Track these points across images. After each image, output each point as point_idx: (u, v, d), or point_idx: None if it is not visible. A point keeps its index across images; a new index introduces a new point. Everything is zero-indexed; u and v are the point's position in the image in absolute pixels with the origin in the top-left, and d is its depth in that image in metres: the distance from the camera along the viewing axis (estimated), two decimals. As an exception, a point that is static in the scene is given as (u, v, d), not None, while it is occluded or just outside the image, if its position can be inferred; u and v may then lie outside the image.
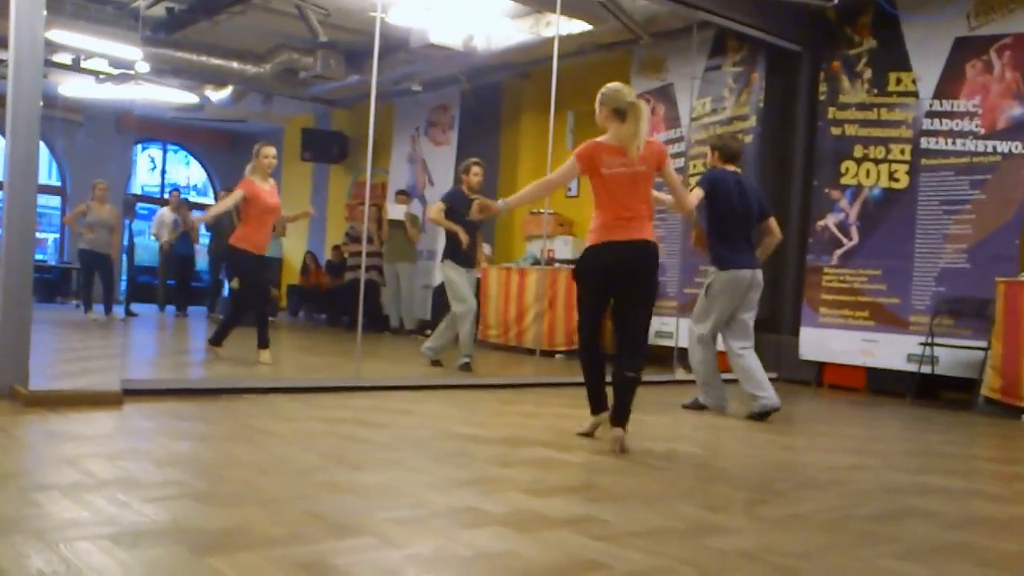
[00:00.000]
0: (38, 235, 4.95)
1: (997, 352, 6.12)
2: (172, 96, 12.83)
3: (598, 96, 4.21)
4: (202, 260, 12.77)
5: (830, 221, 7.74)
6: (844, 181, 7.66)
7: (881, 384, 7.26)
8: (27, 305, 4.55)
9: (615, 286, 4.10)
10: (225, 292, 11.81)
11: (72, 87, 12.23)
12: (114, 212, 10.46)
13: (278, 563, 2.10)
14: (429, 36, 9.20)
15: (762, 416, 5.32)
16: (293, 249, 14.48)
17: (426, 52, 9.64)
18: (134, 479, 2.92)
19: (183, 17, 9.61)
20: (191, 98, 12.97)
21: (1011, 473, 4.29)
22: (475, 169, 7.12)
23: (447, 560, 2.25)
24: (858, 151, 7.58)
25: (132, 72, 11.45)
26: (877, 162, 7.47)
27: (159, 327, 10.51)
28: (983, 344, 6.39)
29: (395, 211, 10.99)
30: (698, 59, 8.51)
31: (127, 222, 11.84)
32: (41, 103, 4.58)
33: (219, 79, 11.80)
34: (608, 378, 4.20)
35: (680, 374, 7.69)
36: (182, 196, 13.14)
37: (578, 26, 8.50)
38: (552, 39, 7.51)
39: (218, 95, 12.64)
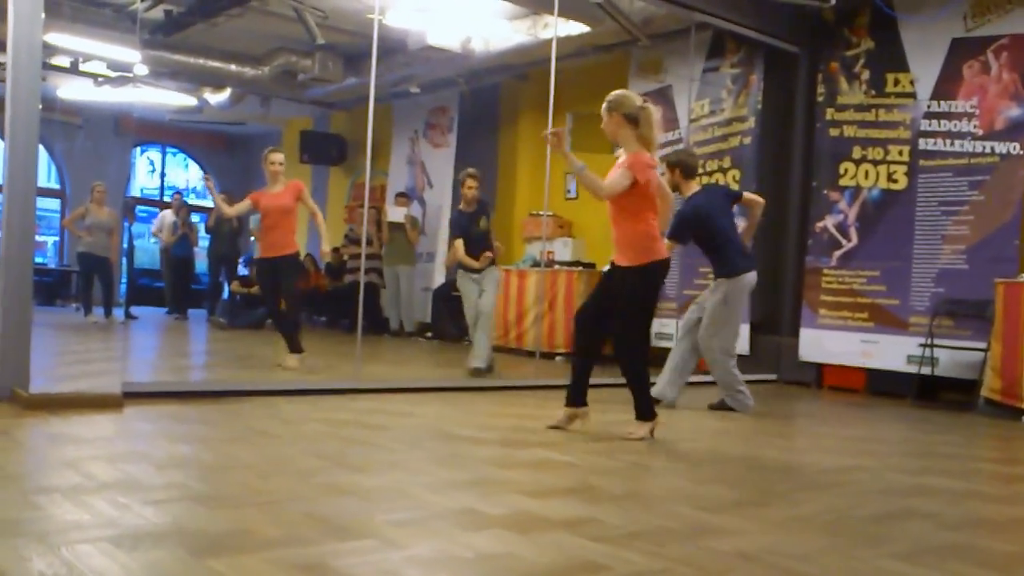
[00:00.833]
0: (37, 238, 4.94)
1: (996, 353, 6.13)
2: (170, 99, 12.83)
3: (607, 103, 4.21)
4: (200, 263, 12.76)
5: (829, 222, 7.75)
6: (843, 182, 7.67)
7: (881, 385, 7.27)
8: (27, 308, 4.55)
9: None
10: (225, 295, 11.81)
11: (71, 90, 12.23)
12: (113, 215, 10.46)
13: (278, 565, 2.11)
14: (427, 38, 9.21)
15: (726, 408, 5.67)
16: (292, 252, 14.45)
17: (424, 54, 9.65)
18: (135, 482, 2.92)
19: (181, 20, 9.61)
20: (189, 101, 12.96)
21: (1011, 474, 4.30)
22: (468, 182, 7.02)
23: (447, 562, 2.25)
24: (856, 152, 7.59)
25: (130, 75, 11.45)
26: (876, 163, 7.47)
27: (159, 330, 10.51)
28: (982, 345, 6.39)
29: (394, 213, 11.00)
30: (696, 61, 8.51)
31: (126, 225, 11.83)
32: (40, 106, 4.59)
33: (217, 81, 11.79)
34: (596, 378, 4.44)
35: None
36: (183, 199, 13.14)
37: (576, 28, 8.51)
38: (550, 41, 7.52)
39: (216, 97, 12.64)
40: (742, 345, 8.10)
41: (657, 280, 4.32)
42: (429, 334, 11.05)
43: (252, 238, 12.16)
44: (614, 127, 4.22)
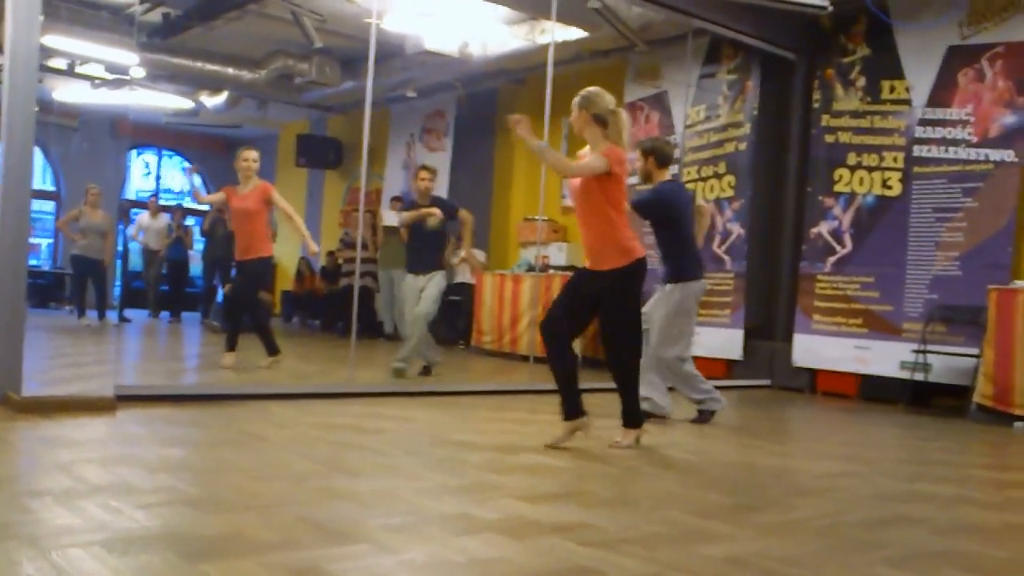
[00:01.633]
0: (32, 240, 4.92)
1: (989, 359, 6.14)
2: (167, 101, 12.83)
3: (579, 98, 4.09)
4: (195, 266, 12.75)
5: (823, 228, 7.77)
6: (838, 189, 7.69)
7: (874, 391, 7.28)
8: (20, 310, 4.54)
9: None
10: (219, 298, 11.80)
11: (67, 92, 12.22)
12: (107, 218, 10.44)
13: (272, 569, 2.10)
14: (424, 43, 9.22)
15: (709, 417, 5.45)
16: (287, 255, 14.46)
17: (421, 58, 9.66)
18: (127, 485, 2.92)
19: (179, 23, 9.61)
20: (186, 103, 12.96)
21: (1003, 480, 4.30)
22: (421, 174, 6.89)
23: (441, 566, 2.25)
24: (851, 159, 7.61)
25: (127, 77, 11.45)
26: (870, 170, 7.49)
27: (152, 333, 10.49)
28: (975, 351, 6.40)
29: (390, 217, 10.97)
30: (693, 66, 8.53)
31: (121, 227, 11.81)
32: (36, 108, 4.59)
33: (214, 85, 11.79)
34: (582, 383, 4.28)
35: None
36: (180, 203, 13.13)
37: (573, 33, 8.53)
38: (547, 46, 7.53)
39: (213, 101, 12.64)
40: (736, 350, 8.14)
41: (642, 279, 4.17)
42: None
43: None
44: (581, 124, 4.10)
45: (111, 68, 11.19)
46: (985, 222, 6.76)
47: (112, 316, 10.97)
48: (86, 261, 10.18)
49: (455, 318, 10.75)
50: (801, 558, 2.50)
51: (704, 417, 5.44)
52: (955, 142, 6.98)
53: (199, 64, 10.84)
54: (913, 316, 7.09)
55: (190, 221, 13.08)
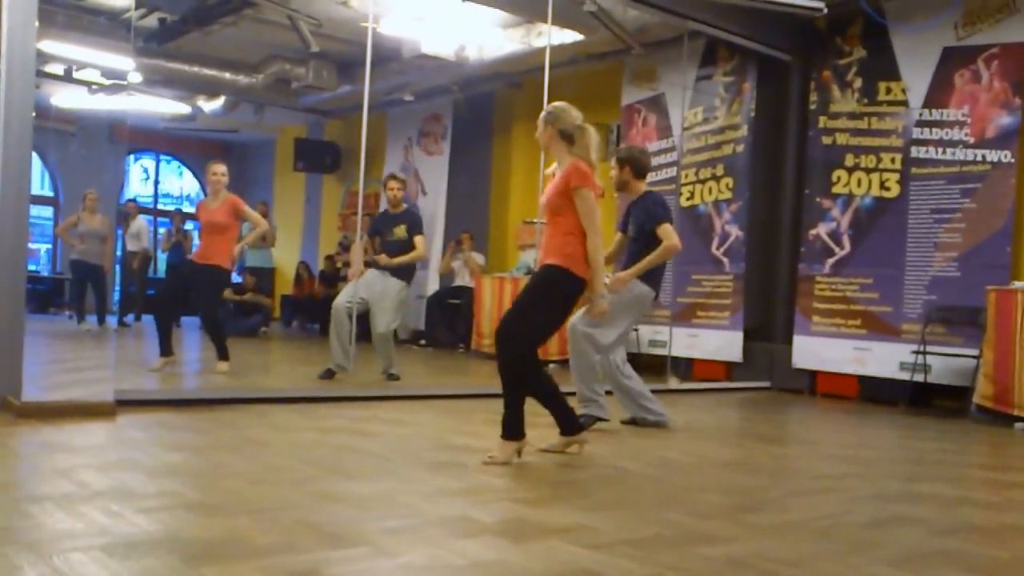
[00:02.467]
0: (30, 245, 4.94)
1: (989, 360, 6.15)
2: (165, 106, 12.84)
3: (545, 114, 3.94)
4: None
5: (822, 230, 7.78)
6: (835, 190, 7.70)
7: (873, 392, 7.28)
8: (20, 316, 4.54)
9: None
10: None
11: (65, 98, 12.22)
12: (105, 222, 10.44)
13: (271, 573, 2.11)
14: (421, 46, 9.23)
15: (591, 423, 4.84)
16: (286, 259, 14.47)
17: (418, 62, 9.67)
18: (127, 490, 2.92)
19: (175, 28, 9.62)
20: (183, 108, 12.97)
21: (1003, 481, 4.31)
22: (389, 184, 6.83)
23: (440, 569, 2.25)
24: (849, 160, 7.62)
25: (124, 83, 11.45)
26: (868, 171, 7.50)
27: (152, 338, 10.47)
28: (975, 352, 6.41)
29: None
30: (689, 69, 8.55)
31: (120, 232, 11.80)
32: (33, 113, 4.59)
33: (211, 89, 11.80)
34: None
35: (673, 383, 7.71)
36: (179, 208, 13.12)
37: (570, 36, 8.54)
38: (544, 49, 7.55)
39: (210, 105, 12.65)
40: (736, 352, 8.14)
41: (575, 292, 3.87)
42: (423, 341, 11.05)
43: (245, 246, 12.17)
44: (547, 140, 3.96)
45: (108, 73, 11.19)
46: (983, 223, 6.77)
47: (112, 321, 10.96)
48: (85, 266, 10.18)
49: (455, 321, 10.76)
50: (801, 559, 2.50)
51: (590, 420, 4.81)
52: (952, 143, 7.00)
53: (196, 69, 10.84)
54: (912, 317, 7.10)
55: (189, 226, 13.07)
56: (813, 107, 7.92)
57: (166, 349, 6.52)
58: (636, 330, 8.61)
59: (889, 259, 7.28)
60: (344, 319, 6.56)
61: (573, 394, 4.74)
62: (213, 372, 6.53)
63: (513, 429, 3.80)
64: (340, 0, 8.27)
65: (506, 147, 11.39)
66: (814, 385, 7.74)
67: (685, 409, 6.13)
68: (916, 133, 7.21)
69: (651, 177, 8.84)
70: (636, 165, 5.12)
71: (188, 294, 6.76)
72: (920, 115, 7.20)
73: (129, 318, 11.59)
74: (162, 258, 12.86)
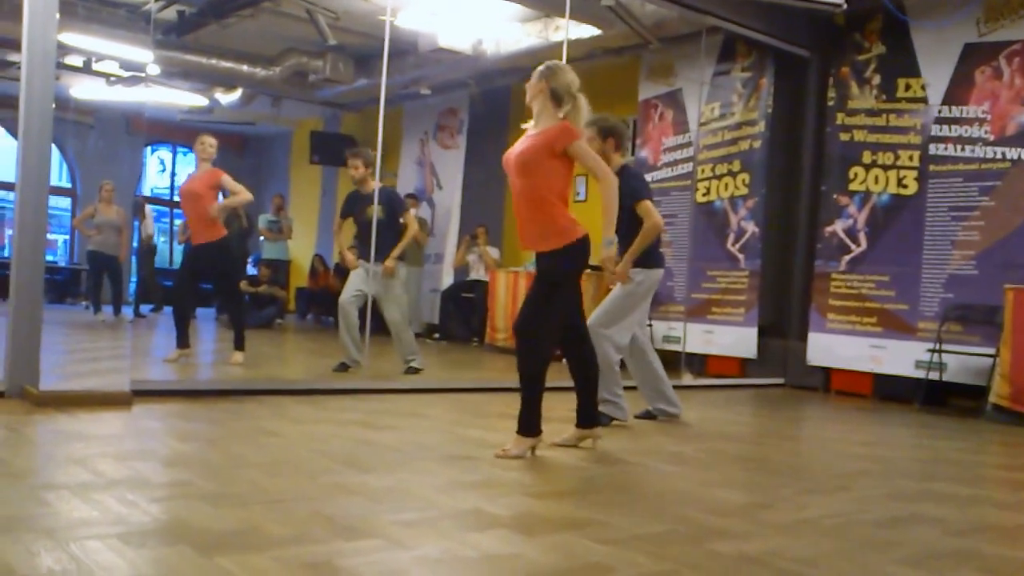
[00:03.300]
0: (48, 236, 4.97)
1: (1005, 359, 6.11)
2: (182, 99, 12.89)
3: (543, 67, 3.81)
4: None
5: (838, 227, 7.73)
6: (852, 187, 7.65)
7: (889, 390, 7.25)
8: (38, 306, 4.58)
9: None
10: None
11: (83, 89, 12.29)
12: (122, 213, 10.51)
13: (286, 564, 2.12)
14: (438, 40, 9.23)
15: (609, 421, 4.82)
16: (302, 252, 14.51)
17: (435, 56, 9.67)
18: (143, 479, 2.94)
19: (194, 20, 9.66)
20: (201, 101, 13.02)
21: (1019, 481, 4.28)
22: (349, 161, 6.63)
23: (454, 562, 2.26)
24: (867, 157, 7.57)
25: (143, 75, 11.51)
26: (886, 168, 7.45)
27: (168, 329, 10.54)
28: (991, 351, 6.37)
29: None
30: (707, 64, 8.51)
31: (136, 224, 11.87)
32: (53, 105, 4.62)
33: (229, 82, 11.85)
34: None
35: (687, 379, 7.69)
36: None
37: (587, 31, 8.52)
38: (561, 43, 7.52)
39: (228, 98, 12.70)
40: (750, 349, 8.12)
41: (585, 260, 3.80)
42: (437, 335, 11.07)
43: (261, 238, 12.22)
44: (535, 92, 3.83)
45: (126, 65, 11.25)
46: (1001, 221, 6.72)
47: (128, 311, 11.03)
48: (102, 257, 10.25)
49: (469, 315, 10.77)
50: (815, 557, 2.49)
51: (605, 420, 4.72)
52: (971, 140, 6.94)
53: (214, 61, 10.88)
54: (928, 315, 7.05)
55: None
56: (831, 103, 7.87)
57: (183, 341, 6.53)
58: (650, 325, 8.60)
59: (906, 257, 7.24)
60: (351, 313, 6.57)
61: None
62: (227, 363, 6.55)
63: (529, 425, 3.79)
64: (357, -7, 8.28)
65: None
66: (828, 382, 7.71)
67: (699, 405, 6.12)
68: (935, 130, 7.16)
69: (667, 172, 8.93)
70: (620, 137, 4.90)
71: (201, 282, 6.70)
72: (939, 112, 7.14)
73: (144, 308, 11.66)
74: (178, 250, 12.89)
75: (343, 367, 6.55)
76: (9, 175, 5.09)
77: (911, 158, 7.30)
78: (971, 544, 2.78)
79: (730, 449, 4.58)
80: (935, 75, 7.18)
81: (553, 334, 3.86)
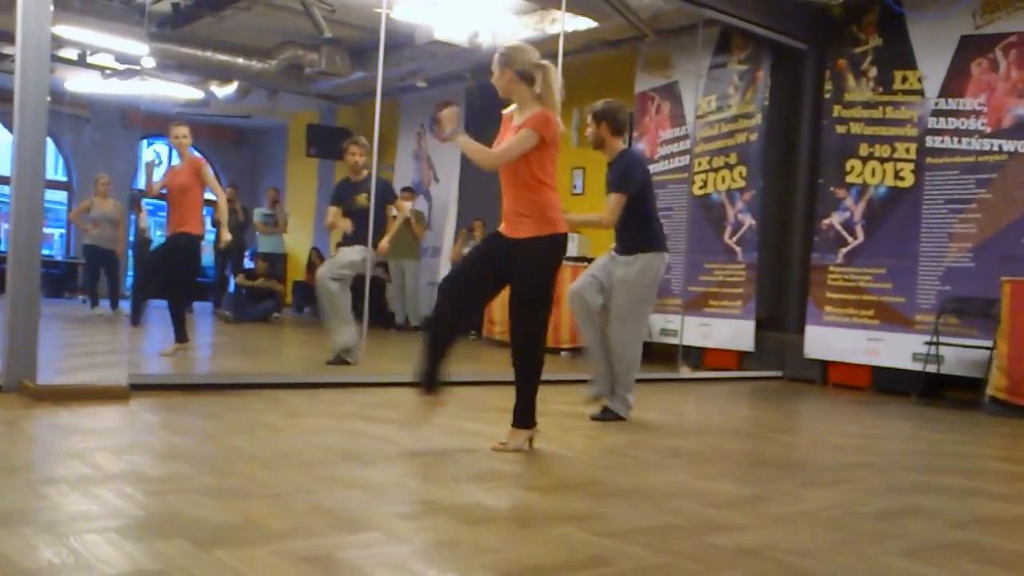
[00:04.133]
0: (45, 230, 4.95)
1: (1003, 352, 6.12)
2: (177, 92, 12.85)
3: (499, 55, 3.73)
4: (206, 255, 12.76)
5: (835, 220, 7.74)
6: (849, 180, 7.65)
7: (886, 383, 7.26)
8: (35, 300, 4.57)
9: None
10: (231, 288, 11.84)
11: (78, 82, 12.25)
12: (118, 207, 10.48)
13: (284, 557, 2.11)
14: (434, 33, 9.20)
15: (613, 417, 4.79)
16: (299, 245, 14.49)
17: (431, 49, 9.64)
18: (141, 473, 2.93)
19: (189, 13, 9.62)
20: (196, 94, 12.98)
21: (1016, 473, 4.29)
22: (350, 149, 6.71)
23: (451, 555, 2.26)
24: (863, 149, 7.57)
25: (138, 68, 11.47)
26: (883, 160, 7.46)
27: (165, 323, 10.52)
28: (989, 343, 6.38)
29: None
30: (703, 57, 8.50)
31: (132, 217, 11.84)
32: (48, 98, 4.60)
33: (224, 75, 11.81)
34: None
35: (684, 372, 7.70)
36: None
37: (583, 23, 8.50)
38: (557, 36, 7.51)
39: (223, 91, 12.66)
40: (747, 342, 8.13)
41: (562, 256, 3.79)
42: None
43: (257, 232, 12.20)
44: (506, 83, 3.74)
45: (121, 58, 11.20)
46: (998, 213, 6.72)
47: (125, 305, 11.00)
48: (98, 251, 10.22)
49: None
50: (813, 549, 2.50)
51: (607, 415, 4.79)
52: (968, 133, 6.94)
53: (209, 54, 10.84)
54: (926, 308, 7.06)
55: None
56: (828, 96, 7.86)
57: (180, 335, 6.50)
58: (647, 319, 8.60)
59: (903, 249, 7.24)
60: (327, 287, 6.57)
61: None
62: (161, 354, 6.37)
63: (526, 418, 3.79)
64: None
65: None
66: (826, 375, 7.72)
67: (696, 398, 6.13)
68: (932, 122, 7.16)
69: (664, 165, 8.93)
70: (614, 121, 4.80)
71: (166, 269, 6.61)
72: (936, 104, 7.14)
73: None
74: (158, 241, 12.86)
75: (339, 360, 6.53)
76: (4, 169, 5.06)
77: (908, 150, 7.30)
78: (969, 536, 2.78)
79: (728, 442, 4.59)
80: (932, 67, 7.18)
81: (546, 331, 3.83)
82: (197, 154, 6.71)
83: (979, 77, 6.92)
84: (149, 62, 11.21)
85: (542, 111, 3.67)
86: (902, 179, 7.33)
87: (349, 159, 6.73)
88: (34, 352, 4.52)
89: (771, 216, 8.21)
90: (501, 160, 3.68)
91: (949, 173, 7.03)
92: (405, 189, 11.41)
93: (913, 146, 7.26)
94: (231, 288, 11.80)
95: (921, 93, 7.24)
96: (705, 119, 8.66)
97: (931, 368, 6.81)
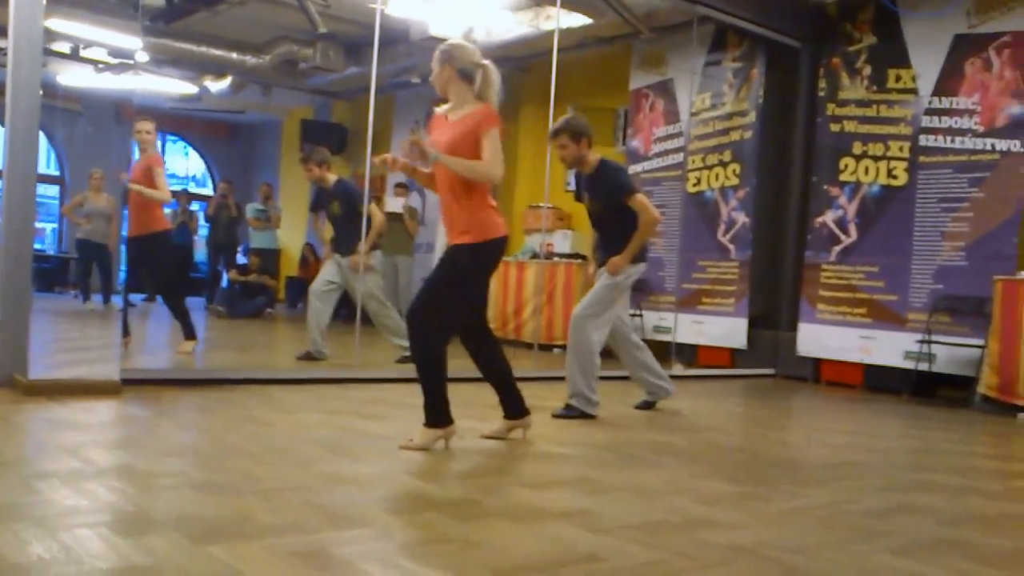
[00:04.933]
0: (36, 225, 4.94)
1: (994, 350, 6.14)
2: (171, 86, 12.81)
3: (440, 52, 3.63)
4: (199, 251, 12.75)
5: (829, 218, 7.75)
6: (843, 178, 7.67)
7: (878, 381, 7.28)
8: (27, 294, 4.56)
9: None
10: (224, 283, 11.81)
11: (71, 76, 12.19)
12: (111, 201, 10.43)
13: (277, 552, 2.11)
14: (429, 28, 9.18)
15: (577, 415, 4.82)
16: (292, 241, 14.47)
17: (426, 44, 9.59)
18: (133, 468, 2.93)
19: (183, 7, 9.59)
20: (190, 88, 12.94)
21: (1007, 470, 4.31)
22: (304, 167, 6.86)
23: (444, 551, 2.26)
24: (857, 148, 7.59)
25: (131, 62, 11.42)
26: (876, 159, 7.47)
27: (157, 317, 10.50)
28: (980, 342, 6.40)
29: (394, 204, 10.98)
30: (698, 54, 8.50)
31: (125, 212, 11.81)
32: (41, 92, 4.58)
33: (218, 70, 11.77)
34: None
35: (677, 369, 7.71)
36: (185, 188, 13.09)
37: (578, 19, 8.49)
38: (552, 32, 7.51)
39: (217, 86, 12.61)
40: (740, 339, 8.14)
41: (495, 259, 3.69)
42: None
43: (250, 228, 12.18)
44: (445, 81, 3.64)
45: (115, 52, 11.15)
46: (991, 212, 6.74)
47: (117, 300, 10.96)
48: (91, 245, 10.18)
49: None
50: (805, 546, 2.50)
51: (574, 413, 4.80)
52: (961, 132, 6.96)
53: (203, 49, 10.81)
54: (918, 306, 7.08)
55: (194, 206, 13.08)
56: (822, 94, 7.88)
57: (189, 331, 6.44)
58: (640, 315, 8.61)
59: (896, 248, 7.26)
60: (314, 303, 6.76)
61: (558, 379, 4.75)
62: (177, 352, 6.40)
63: (435, 416, 3.66)
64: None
65: (512, 131, 11.33)
66: (818, 373, 7.74)
67: (689, 396, 6.13)
68: (925, 121, 7.17)
69: (658, 162, 8.93)
70: (590, 136, 4.78)
71: (139, 273, 6.56)
72: (929, 103, 7.16)
73: (137, 298, 11.62)
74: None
75: (308, 356, 6.58)
76: (-3, 163, 5.04)
77: (901, 149, 7.31)
78: (960, 533, 2.79)
79: (720, 440, 4.60)
80: (925, 66, 7.19)
81: (449, 325, 3.72)
82: (157, 152, 6.65)
83: (972, 76, 6.94)
84: (143, 56, 11.16)
85: (486, 106, 3.62)
86: (895, 177, 7.34)
87: (306, 176, 6.88)
88: (25, 346, 4.50)
89: (765, 214, 8.22)
90: (498, 169, 3.57)
91: (942, 172, 7.05)
92: (399, 185, 11.38)
93: (906, 145, 7.28)
94: (224, 284, 11.78)
95: (915, 92, 7.26)
96: (699, 116, 8.66)
97: (923, 366, 6.83)
